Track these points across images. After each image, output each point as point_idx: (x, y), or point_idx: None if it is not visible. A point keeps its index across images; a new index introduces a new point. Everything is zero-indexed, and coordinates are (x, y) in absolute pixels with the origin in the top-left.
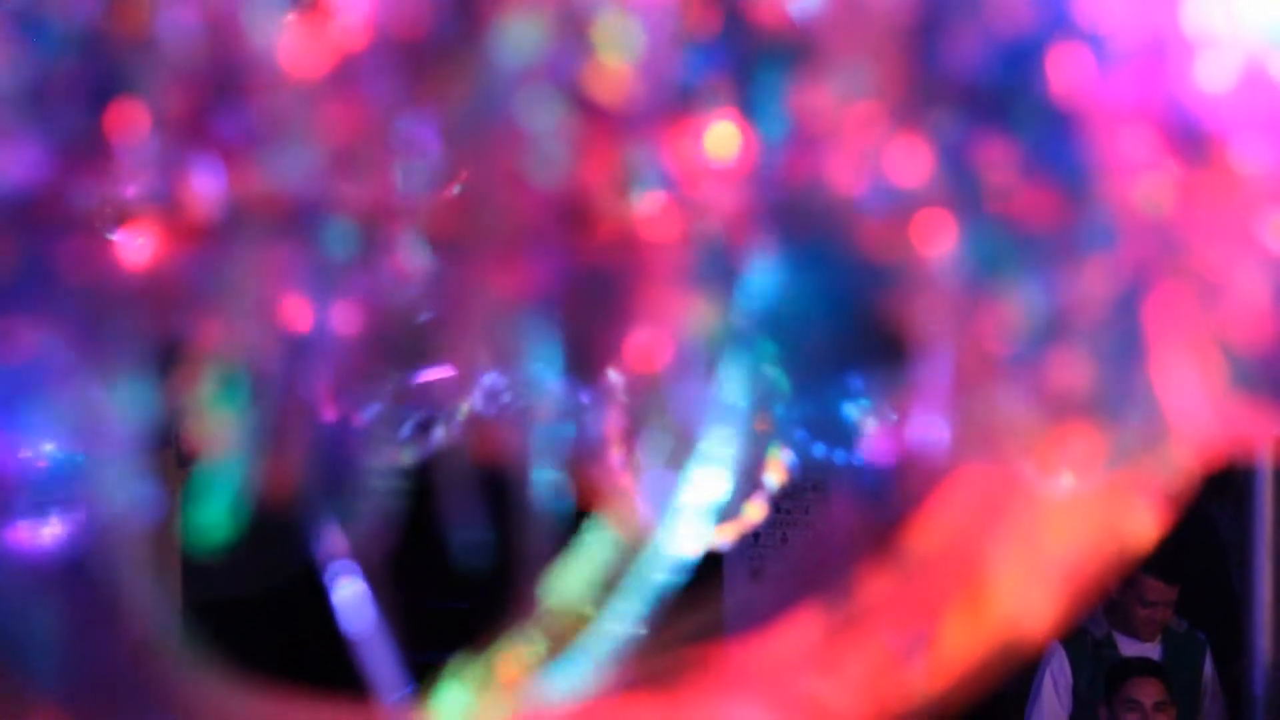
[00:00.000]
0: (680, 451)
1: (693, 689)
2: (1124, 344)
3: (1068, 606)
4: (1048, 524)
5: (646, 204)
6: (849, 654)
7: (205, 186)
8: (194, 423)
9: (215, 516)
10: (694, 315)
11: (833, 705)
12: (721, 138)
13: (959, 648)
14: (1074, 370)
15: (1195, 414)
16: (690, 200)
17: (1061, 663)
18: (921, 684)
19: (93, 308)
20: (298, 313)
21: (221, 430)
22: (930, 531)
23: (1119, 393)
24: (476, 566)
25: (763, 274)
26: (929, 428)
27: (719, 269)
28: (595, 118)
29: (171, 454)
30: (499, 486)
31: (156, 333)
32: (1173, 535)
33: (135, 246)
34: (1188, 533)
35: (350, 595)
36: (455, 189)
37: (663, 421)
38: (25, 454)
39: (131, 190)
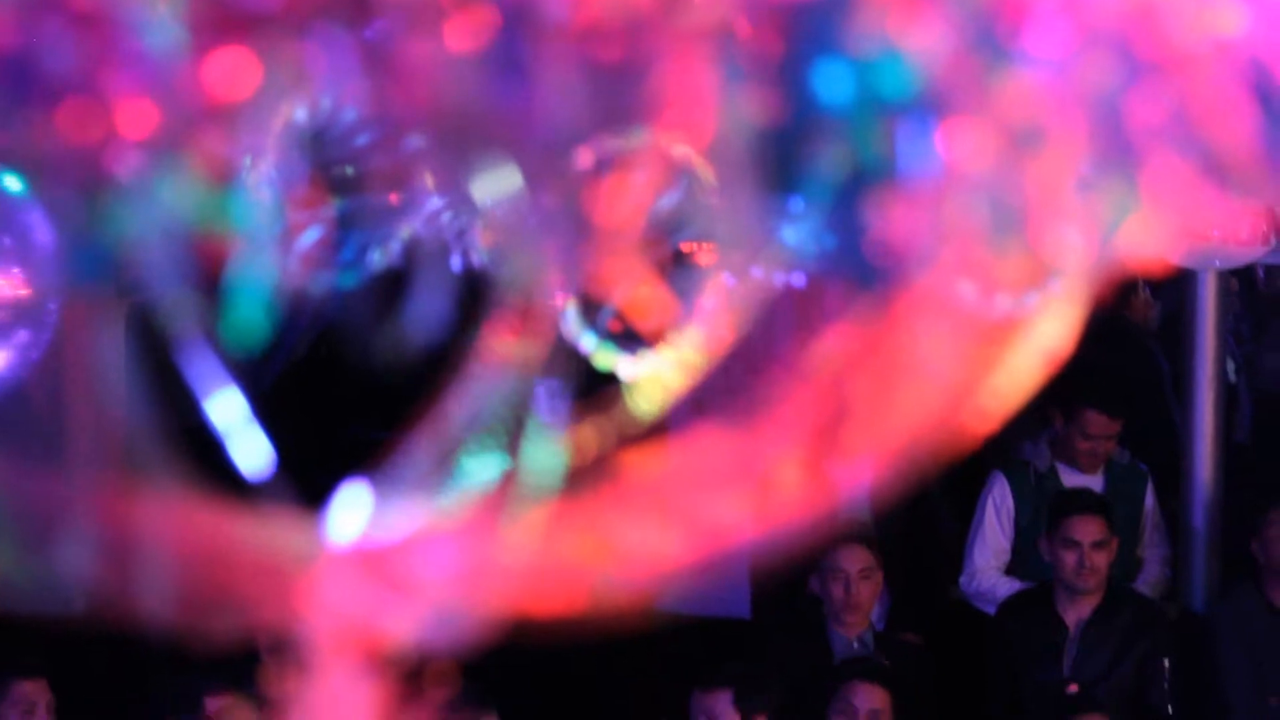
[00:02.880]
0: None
1: (596, 502)
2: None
3: (991, 423)
4: (977, 342)
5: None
6: (754, 468)
7: None
8: (219, 226)
9: (251, 317)
10: (728, 110)
11: (730, 520)
12: None
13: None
14: (1061, 165)
15: (1174, 202)
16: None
17: (1003, 490)
18: (830, 495)
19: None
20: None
21: (245, 232)
22: (845, 344)
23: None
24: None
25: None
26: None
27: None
28: None
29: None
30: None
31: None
32: (1115, 369)
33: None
34: (1129, 366)
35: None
36: None
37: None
38: None
39: None
